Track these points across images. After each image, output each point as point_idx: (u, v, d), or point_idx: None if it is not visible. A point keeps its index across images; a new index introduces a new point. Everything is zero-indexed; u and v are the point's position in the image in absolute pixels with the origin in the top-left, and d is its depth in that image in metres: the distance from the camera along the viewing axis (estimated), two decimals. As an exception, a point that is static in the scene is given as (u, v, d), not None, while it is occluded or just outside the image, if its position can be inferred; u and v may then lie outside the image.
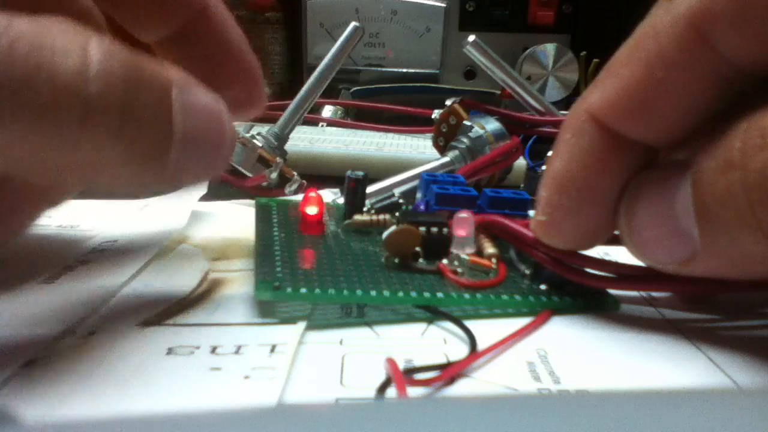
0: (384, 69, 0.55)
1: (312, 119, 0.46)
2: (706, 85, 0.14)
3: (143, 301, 0.18)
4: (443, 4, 0.53)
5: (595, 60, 0.48)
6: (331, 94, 0.50)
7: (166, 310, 0.18)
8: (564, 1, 0.54)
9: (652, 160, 0.16)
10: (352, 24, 0.32)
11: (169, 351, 0.16)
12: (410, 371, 0.14)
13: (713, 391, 0.14)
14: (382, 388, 0.13)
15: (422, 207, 0.23)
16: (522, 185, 0.35)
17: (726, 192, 0.13)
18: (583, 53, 0.49)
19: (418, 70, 0.54)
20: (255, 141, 0.30)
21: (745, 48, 0.13)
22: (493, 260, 0.19)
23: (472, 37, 0.33)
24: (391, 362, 0.14)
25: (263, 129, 0.31)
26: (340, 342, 0.16)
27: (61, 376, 0.14)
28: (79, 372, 0.15)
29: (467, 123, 0.31)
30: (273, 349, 0.16)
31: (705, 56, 0.14)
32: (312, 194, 0.22)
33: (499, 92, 0.48)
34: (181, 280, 0.20)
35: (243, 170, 0.30)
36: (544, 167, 0.29)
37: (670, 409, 0.12)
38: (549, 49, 0.50)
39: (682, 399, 0.13)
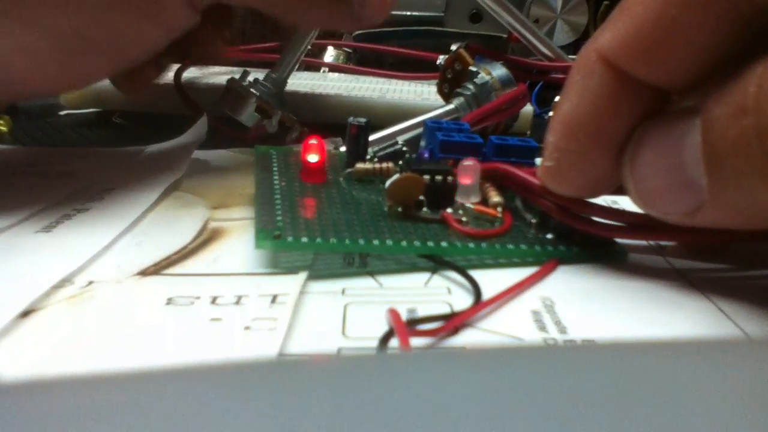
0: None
1: (313, 64, 0.45)
2: (722, 25, 0.13)
3: (142, 251, 0.18)
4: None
5: (606, 2, 0.46)
6: (333, 38, 0.49)
7: (165, 260, 0.18)
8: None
9: (663, 105, 0.15)
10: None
11: (169, 301, 0.15)
12: (413, 322, 0.14)
13: (722, 341, 0.14)
14: (385, 340, 0.13)
15: (426, 155, 0.22)
16: (529, 133, 0.34)
17: (738, 139, 0.13)
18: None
19: (422, 13, 0.53)
20: (252, 91, 0.29)
21: None
22: (499, 209, 0.19)
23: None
24: (393, 313, 0.14)
25: (260, 75, 0.30)
26: (342, 292, 0.16)
27: (59, 327, 0.14)
28: (77, 322, 0.14)
29: (473, 69, 0.30)
30: (274, 299, 0.16)
31: None
32: (313, 141, 0.22)
33: (506, 36, 0.47)
34: (181, 229, 0.20)
35: (241, 119, 0.30)
36: (551, 114, 0.29)
37: (677, 359, 0.12)
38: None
39: (690, 349, 0.12)
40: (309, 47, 0.31)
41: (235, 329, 0.14)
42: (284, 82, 0.31)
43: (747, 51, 0.13)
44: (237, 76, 0.30)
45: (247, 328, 0.14)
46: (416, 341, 0.14)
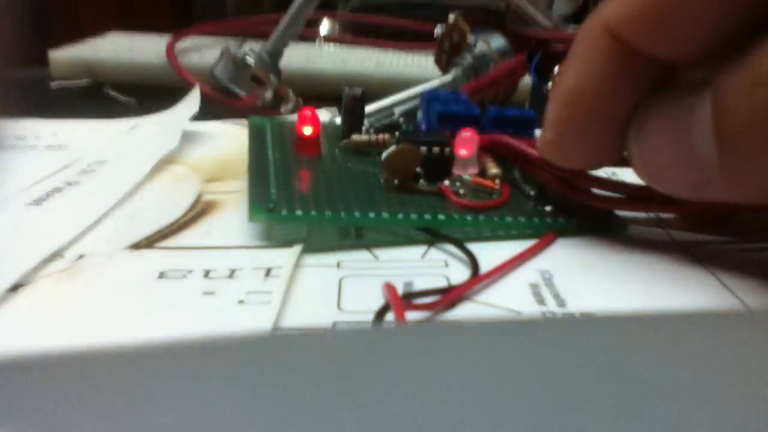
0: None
1: (308, 35, 0.44)
2: None
3: (134, 224, 0.18)
4: None
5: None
6: (329, 8, 0.48)
7: (157, 233, 0.17)
8: None
9: (668, 79, 0.15)
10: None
11: (161, 275, 0.15)
12: (410, 296, 0.14)
13: (723, 314, 0.13)
14: (381, 314, 0.13)
15: (423, 126, 0.22)
16: (527, 104, 0.33)
17: (751, 112, 0.12)
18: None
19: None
20: (247, 58, 0.29)
21: None
22: (497, 181, 0.19)
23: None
24: (389, 288, 0.14)
25: (255, 45, 0.30)
26: (338, 265, 0.16)
27: (49, 302, 0.14)
28: (67, 297, 0.14)
29: (471, 39, 0.29)
30: (268, 272, 0.15)
31: None
32: (307, 113, 0.21)
33: (504, 6, 0.46)
34: (173, 202, 0.19)
35: (235, 90, 0.29)
36: (550, 85, 0.28)
37: (677, 332, 0.11)
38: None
39: (690, 321, 0.12)
40: (306, 18, 0.31)
41: (228, 303, 0.14)
42: (280, 52, 0.30)
43: (758, 24, 0.13)
44: (232, 46, 0.29)
45: (240, 301, 0.14)
46: (412, 315, 0.13)
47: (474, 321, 0.13)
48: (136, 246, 0.17)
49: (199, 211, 0.19)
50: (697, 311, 0.14)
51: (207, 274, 0.15)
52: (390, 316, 0.13)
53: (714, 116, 0.13)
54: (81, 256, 0.16)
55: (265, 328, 0.13)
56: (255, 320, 0.13)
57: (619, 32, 0.14)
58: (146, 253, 0.16)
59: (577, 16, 0.47)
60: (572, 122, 0.16)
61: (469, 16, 0.31)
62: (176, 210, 0.19)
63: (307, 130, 0.21)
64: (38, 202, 0.19)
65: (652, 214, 0.19)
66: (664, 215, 0.19)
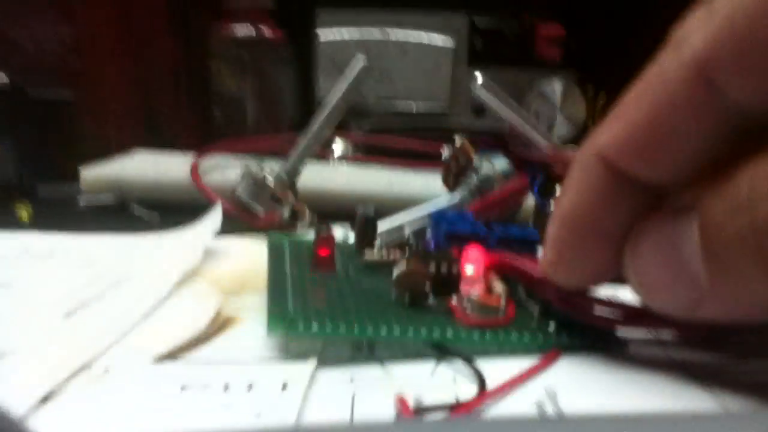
0: (393, 103, 0.55)
1: (323, 153, 0.46)
2: (712, 128, 0.14)
3: (157, 337, 0.19)
4: (452, 44, 0.54)
5: (602, 93, 0.49)
6: (343, 129, 0.51)
7: (179, 347, 0.18)
8: (570, 36, 0.55)
9: (660, 201, 0.16)
10: (357, 58, 0.32)
11: (183, 388, 0.16)
12: (420, 411, 0.14)
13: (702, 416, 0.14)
14: (393, 428, 0.14)
15: (432, 244, 0.23)
16: (531, 222, 0.35)
17: (735, 236, 0.13)
18: (590, 87, 0.50)
19: (426, 102, 0.55)
20: (267, 178, 0.31)
21: (749, 93, 0.14)
22: (502, 300, 0.19)
23: (479, 77, 0.34)
24: (401, 402, 0.14)
25: (274, 165, 0.32)
26: (351, 380, 0.17)
27: (76, 413, 0.15)
28: (95, 409, 0.15)
29: (476, 161, 0.31)
30: (284, 386, 0.16)
31: (711, 100, 0.14)
32: (323, 236, 0.23)
33: (508, 130, 0.49)
34: (195, 315, 0.20)
35: (255, 208, 0.31)
36: (552, 205, 0.30)
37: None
38: (556, 86, 0.51)
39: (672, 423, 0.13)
40: (323, 139, 0.33)
41: (246, 416, 0.15)
42: (298, 171, 0.32)
43: (740, 148, 0.14)
44: (252, 165, 0.31)
45: (258, 414, 0.15)
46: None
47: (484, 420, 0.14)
48: (159, 359, 0.17)
49: (219, 325, 0.20)
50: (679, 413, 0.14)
51: (226, 387, 0.16)
52: None
53: (701, 238, 0.14)
54: (107, 369, 0.17)
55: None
56: (272, 434, 0.14)
57: (610, 158, 0.15)
58: (169, 366, 0.17)
59: (577, 138, 0.50)
60: (570, 243, 0.17)
61: (473, 139, 0.33)
62: (197, 324, 0.20)
63: (324, 252, 0.22)
64: (68, 315, 0.20)
65: (651, 333, 0.20)
66: (663, 333, 0.20)
